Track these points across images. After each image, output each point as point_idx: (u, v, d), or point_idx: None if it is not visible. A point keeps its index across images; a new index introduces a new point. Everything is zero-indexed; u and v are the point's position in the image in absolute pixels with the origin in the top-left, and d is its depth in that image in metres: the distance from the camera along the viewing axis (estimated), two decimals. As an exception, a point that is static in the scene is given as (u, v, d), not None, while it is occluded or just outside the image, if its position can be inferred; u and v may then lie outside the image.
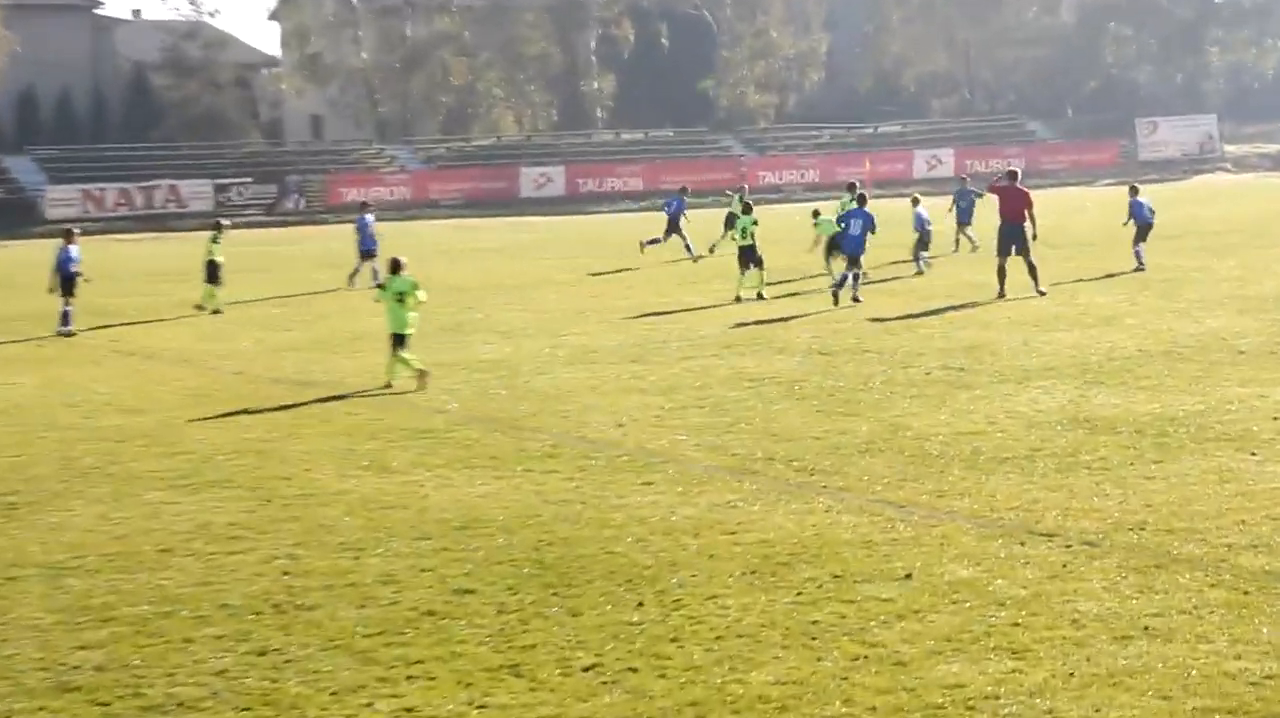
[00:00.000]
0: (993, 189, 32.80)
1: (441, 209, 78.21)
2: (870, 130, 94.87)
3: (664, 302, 33.03)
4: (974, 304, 29.89)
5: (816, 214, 37.62)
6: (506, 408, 20.66)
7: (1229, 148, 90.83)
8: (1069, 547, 12.77)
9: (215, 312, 34.16)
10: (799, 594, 11.86)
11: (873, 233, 31.76)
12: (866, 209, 32.23)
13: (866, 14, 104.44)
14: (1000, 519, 13.77)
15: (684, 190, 47.88)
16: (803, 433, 18.02)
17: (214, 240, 35.64)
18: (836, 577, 12.24)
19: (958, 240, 41.96)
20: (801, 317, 29.22)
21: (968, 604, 11.41)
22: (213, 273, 35.14)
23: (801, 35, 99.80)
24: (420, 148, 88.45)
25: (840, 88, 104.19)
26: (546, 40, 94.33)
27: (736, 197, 41.44)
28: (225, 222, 38.85)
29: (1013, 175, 32.50)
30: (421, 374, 22.67)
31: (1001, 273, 30.94)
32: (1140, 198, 36.95)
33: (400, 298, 23.15)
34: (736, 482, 15.67)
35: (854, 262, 31.62)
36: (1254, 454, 15.82)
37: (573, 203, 79.94)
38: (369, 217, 40.90)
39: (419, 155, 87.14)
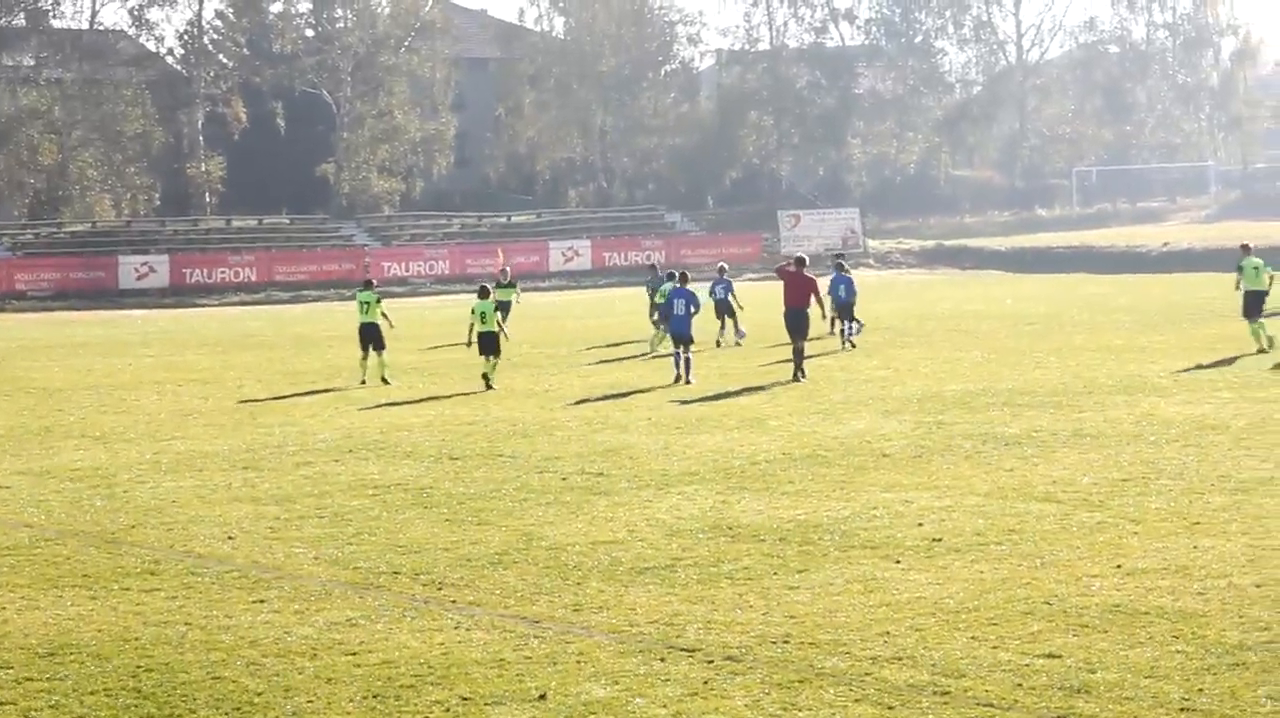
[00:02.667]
0: (780, 273, 35.83)
1: (29, 301, 76.05)
2: (504, 220, 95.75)
3: (279, 403, 32.66)
4: (618, 399, 30.33)
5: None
6: (102, 521, 20.13)
7: (872, 243, 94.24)
8: (711, 662, 12.99)
9: None
10: (425, 719, 11.82)
11: (696, 310, 34.77)
12: (689, 288, 35.09)
13: (497, 96, 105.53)
14: (640, 634, 13.94)
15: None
16: (431, 544, 17.99)
17: None
18: (465, 699, 12.22)
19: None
20: (431, 418, 29.21)
21: (605, 726, 11.51)
22: None
23: (429, 117, 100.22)
24: (4, 233, 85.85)
25: (471, 174, 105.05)
26: (147, 119, 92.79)
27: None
28: None
29: (800, 262, 35.19)
30: None
31: (798, 354, 33.90)
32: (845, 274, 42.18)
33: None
34: (358, 598, 15.55)
35: (683, 341, 34.25)
36: (898, 562, 16.36)
37: (178, 294, 78.54)
38: None
39: (3, 242, 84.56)
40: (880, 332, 44.40)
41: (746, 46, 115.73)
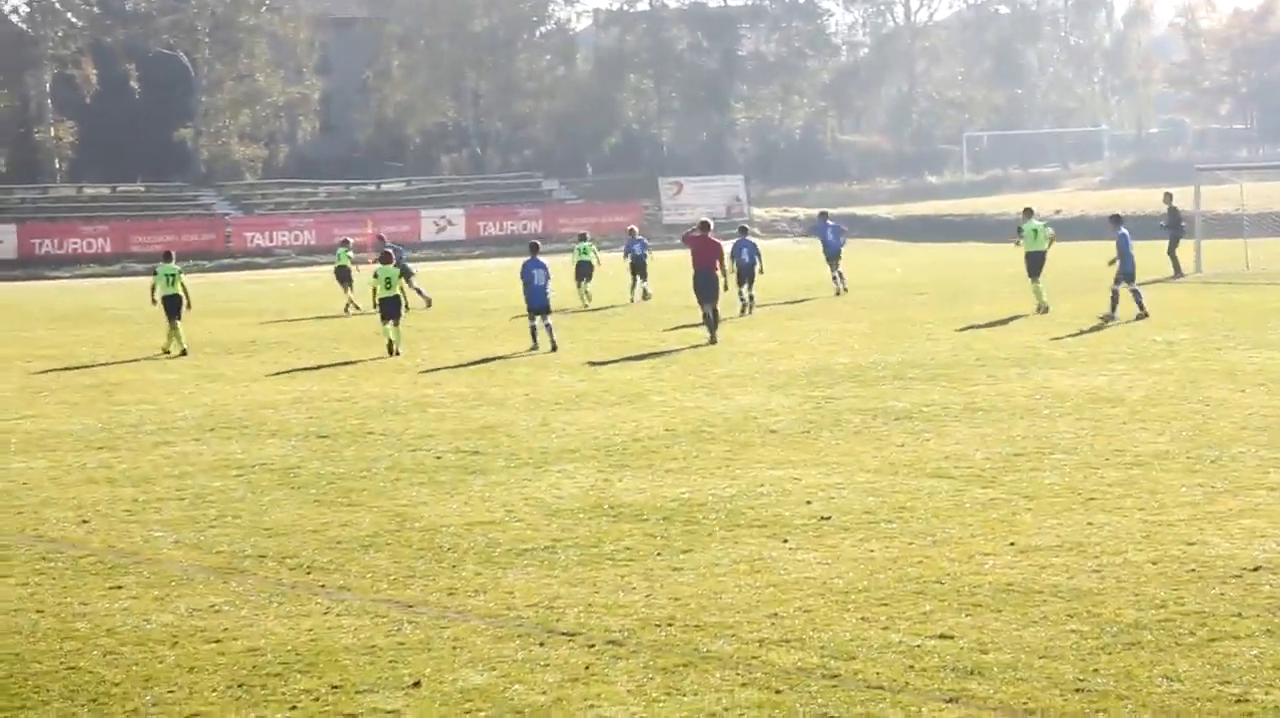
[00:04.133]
0: (686, 240, 38.27)
1: None
2: (373, 187, 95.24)
3: (136, 380, 32.35)
4: (493, 374, 30.29)
5: None
6: (-52, 504, 19.90)
7: (757, 211, 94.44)
8: (592, 647, 13.02)
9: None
10: (293, 708, 11.75)
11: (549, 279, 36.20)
12: (543, 259, 36.60)
13: (365, 59, 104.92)
14: (518, 618, 13.94)
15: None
16: (298, 526, 17.90)
17: None
18: (335, 687, 12.17)
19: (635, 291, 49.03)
20: (298, 395, 29.04)
21: (482, 713, 11.51)
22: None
23: (292, 80, 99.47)
24: None
25: (338, 140, 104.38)
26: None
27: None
28: None
29: (705, 226, 37.35)
30: None
31: (709, 319, 35.89)
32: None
33: None
34: (221, 583, 15.45)
35: (540, 311, 35.74)
36: (786, 542, 16.44)
37: (27, 266, 77.52)
38: None
39: None
40: (766, 304, 44.54)
41: (625, 6, 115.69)
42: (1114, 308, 37.43)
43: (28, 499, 20.06)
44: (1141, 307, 37.28)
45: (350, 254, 50.04)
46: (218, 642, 13.45)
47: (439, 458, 22.07)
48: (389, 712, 11.61)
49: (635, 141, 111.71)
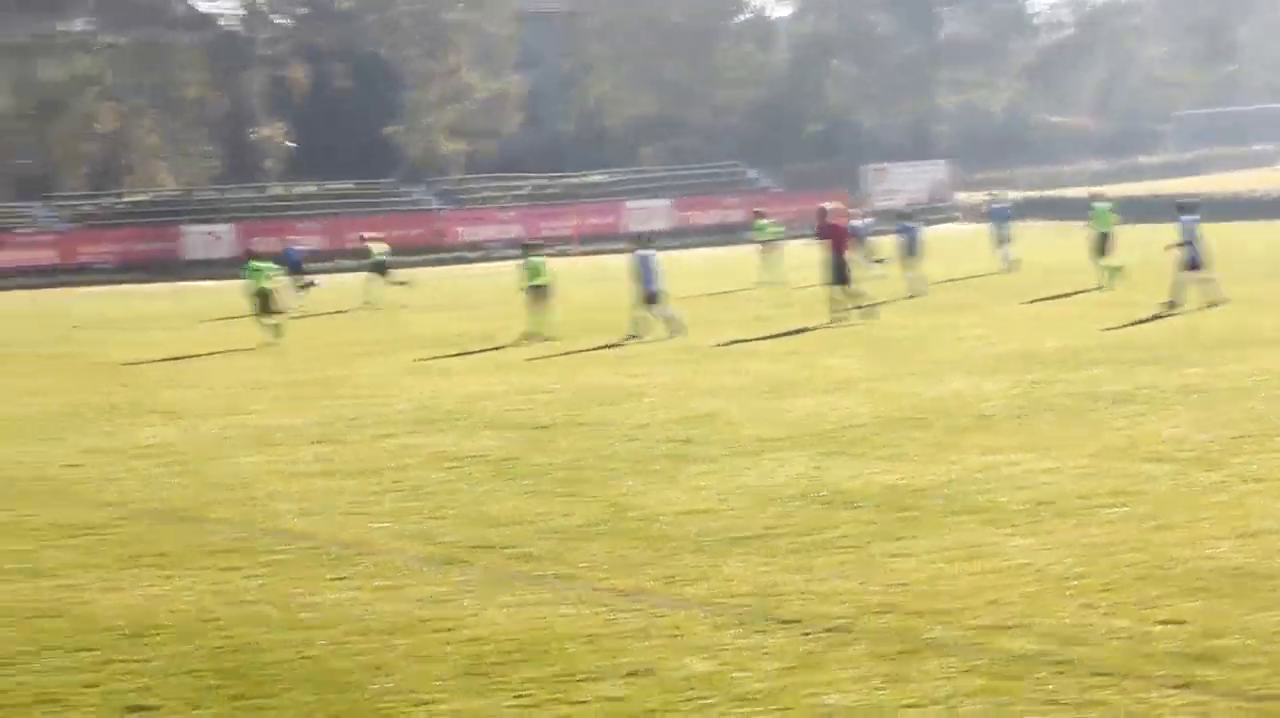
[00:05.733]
0: (820, 229, 40.59)
1: (93, 274, 76.69)
2: (576, 180, 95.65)
3: (352, 374, 32.84)
4: (703, 363, 30.34)
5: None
6: (178, 498, 20.31)
7: (960, 195, 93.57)
8: (812, 634, 12.97)
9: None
10: (519, 697, 11.84)
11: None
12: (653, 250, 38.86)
13: (565, 51, 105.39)
14: (737, 606, 13.93)
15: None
16: (516, 517, 18.04)
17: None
18: (559, 676, 12.24)
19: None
20: (510, 387, 29.29)
21: (705, 701, 11.50)
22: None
23: (496, 76, 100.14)
24: (64, 205, 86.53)
25: (542, 133, 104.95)
26: (205, 84, 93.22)
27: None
28: None
29: (823, 213, 40.70)
30: None
31: (841, 299, 38.46)
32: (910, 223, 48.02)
33: None
34: (444, 574, 15.61)
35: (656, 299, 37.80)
36: (1003, 528, 16.26)
37: (240, 264, 78.79)
38: None
39: (63, 214, 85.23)
40: (974, 288, 44.18)
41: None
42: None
43: (255, 493, 20.41)
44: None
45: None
46: (444, 632, 13.58)
47: (653, 447, 22.12)
48: (613, 699, 11.66)
49: (836, 127, 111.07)
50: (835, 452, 21.05)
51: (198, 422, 27.01)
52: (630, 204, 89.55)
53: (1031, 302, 40.88)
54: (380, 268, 55.36)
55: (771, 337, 35.81)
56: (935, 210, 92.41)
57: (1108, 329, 33.07)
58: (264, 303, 41.98)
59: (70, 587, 15.84)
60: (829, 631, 13.04)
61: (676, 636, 13.12)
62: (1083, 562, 14.67)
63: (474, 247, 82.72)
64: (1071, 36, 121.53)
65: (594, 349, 35.00)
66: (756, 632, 13.10)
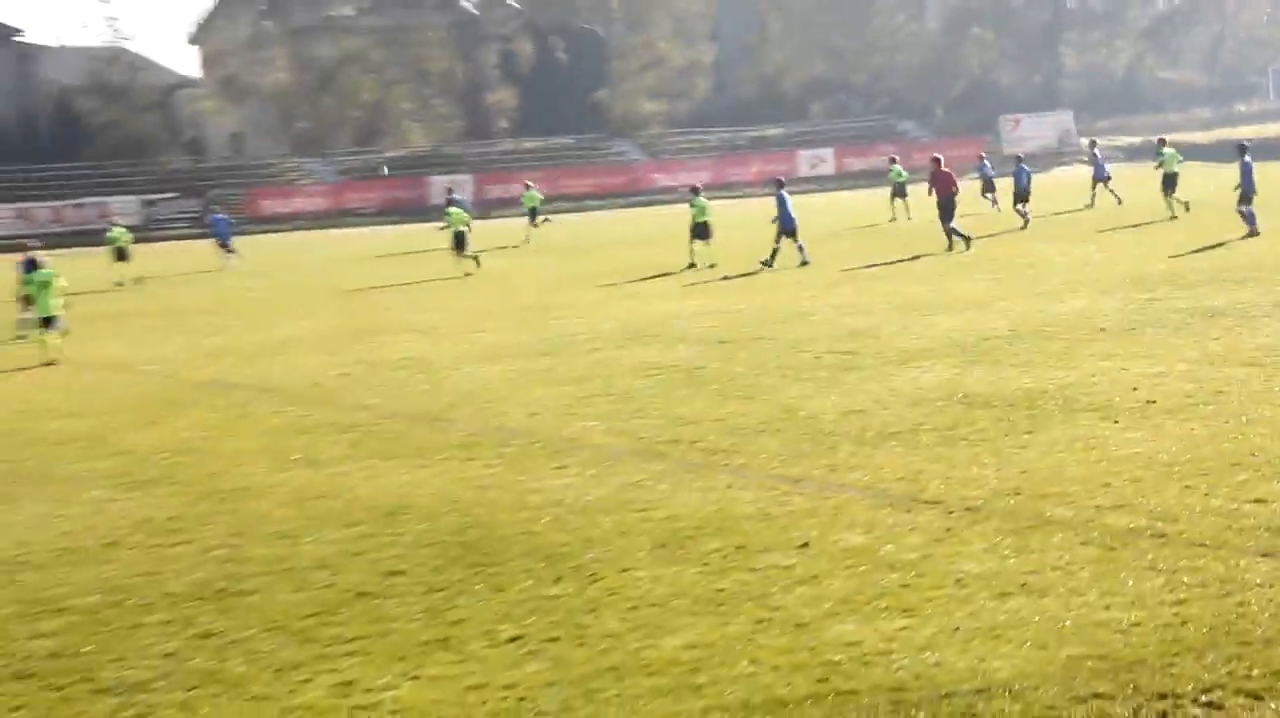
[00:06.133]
0: (933, 175, 40.34)
1: (357, 218, 77.76)
2: (756, 133, 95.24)
3: (568, 299, 33.06)
4: (861, 285, 30.16)
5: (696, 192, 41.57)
6: (426, 402, 20.63)
7: (1084, 141, 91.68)
8: (951, 513, 12.92)
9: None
10: (705, 565, 11.94)
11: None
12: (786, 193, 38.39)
13: (748, 25, 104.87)
14: (888, 490, 13.91)
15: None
16: (704, 416, 18.11)
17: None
18: (739, 548, 12.32)
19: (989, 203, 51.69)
20: (699, 309, 29.32)
21: (860, 569, 11.53)
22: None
23: (689, 46, 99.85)
24: (334, 161, 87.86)
25: (727, 94, 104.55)
26: (449, 57, 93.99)
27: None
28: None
29: (936, 162, 40.66)
30: (52, 362, 26.67)
31: (951, 233, 38.39)
32: (1023, 164, 46.87)
33: (44, 287, 27.10)
34: (644, 463, 15.72)
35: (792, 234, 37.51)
36: (1116, 423, 16.05)
37: (480, 208, 79.65)
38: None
39: (333, 168, 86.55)
40: (1093, 220, 43.41)
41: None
42: (1252, 224, 36.03)
43: (488, 397, 20.67)
44: (1253, 225, 35.94)
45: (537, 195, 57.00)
46: (643, 511, 13.71)
47: (818, 358, 22.06)
48: (784, 567, 11.71)
49: (978, 85, 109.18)
50: (973, 361, 20.86)
51: (440, 340, 27.37)
52: (801, 152, 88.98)
53: (1133, 227, 40.06)
54: (533, 213, 56.16)
55: (902, 261, 35.47)
56: (1063, 154, 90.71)
57: (1197, 252, 32.32)
58: (459, 242, 42.76)
59: (340, 474, 16.19)
60: (966, 510, 12.97)
61: (837, 515, 13.13)
62: (1183, 451, 14.44)
63: (667, 191, 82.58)
64: (1181, 3, 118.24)
65: (748, 275, 34.89)
66: (904, 511, 13.07)
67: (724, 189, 77.75)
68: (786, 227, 37.33)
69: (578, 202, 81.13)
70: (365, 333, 28.93)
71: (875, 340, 23.38)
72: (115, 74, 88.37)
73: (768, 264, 36.72)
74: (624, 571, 11.91)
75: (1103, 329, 22.92)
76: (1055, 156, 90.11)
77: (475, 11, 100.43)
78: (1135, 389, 17.89)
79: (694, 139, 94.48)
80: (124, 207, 75.84)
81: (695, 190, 41.08)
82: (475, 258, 42.54)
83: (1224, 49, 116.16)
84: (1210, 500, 12.64)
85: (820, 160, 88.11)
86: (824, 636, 10.09)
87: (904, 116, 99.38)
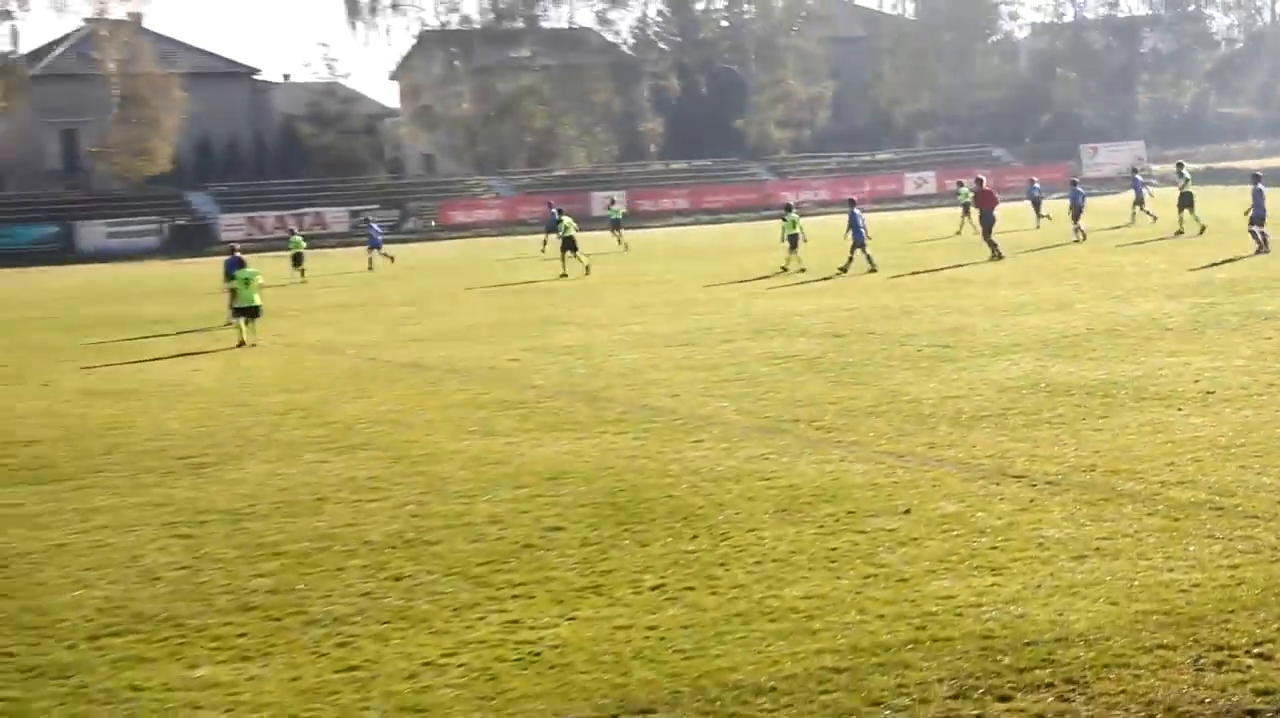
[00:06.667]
0: (980, 194, 40.63)
1: (529, 226, 78.24)
2: (869, 157, 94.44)
3: (706, 298, 32.96)
4: (956, 288, 29.73)
5: (789, 209, 41.23)
6: (584, 383, 20.68)
7: (1154, 167, 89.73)
8: (1035, 485, 12.70)
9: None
10: (820, 527, 11.84)
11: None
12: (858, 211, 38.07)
13: (865, 64, 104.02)
14: (980, 465, 13.70)
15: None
16: (820, 399, 17.96)
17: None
18: (850, 513, 12.21)
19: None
20: (818, 307, 29.09)
21: (955, 533, 11.37)
22: None
23: (813, 83, 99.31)
24: (511, 178, 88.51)
25: (844, 124, 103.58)
26: (609, 91, 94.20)
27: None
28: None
29: (979, 182, 41.17)
30: (243, 343, 27.35)
31: (993, 245, 37.85)
32: (1078, 187, 45.65)
33: (247, 282, 27.94)
34: (768, 439, 15.64)
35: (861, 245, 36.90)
36: (1180, 410, 15.69)
37: (633, 219, 79.70)
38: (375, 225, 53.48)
39: (510, 184, 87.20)
40: (1162, 234, 42.43)
41: (1054, 19, 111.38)
42: (1264, 243, 34.59)
43: (636, 380, 20.62)
44: (1264, 244, 34.44)
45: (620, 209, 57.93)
46: (767, 480, 13.63)
47: (920, 350, 21.79)
48: (889, 530, 11.58)
49: (1061, 117, 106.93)
50: (1055, 354, 20.48)
51: (598, 330, 27.41)
52: (908, 174, 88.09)
53: (1194, 240, 39.06)
54: (616, 224, 56.47)
55: (967, 265, 34.89)
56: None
57: (1265, 264, 31.38)
58: (568, 246, 42.31)
59: (511, 443, 16.27)
60: (1047, 483, 12.75)
61: (935, 486, 12.96)
62: (1240, 435, 14.06)
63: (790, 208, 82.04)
64: (1242, 48, 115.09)
65: (854, 278, 34.51)
66: (993, 483, 12.87)
67: (841, 207, 76.98)
68: (858, 239, 36.94)
69: (715, 215, 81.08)
70: (535, 324, 29.08)
71: (970, 336, 23.04)
72: (331, 105, 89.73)
73: (843, 270, 36.49)
74: (750, 530, 11.85)
75: (1168, 329, 22.39)
76: (1127, 181, 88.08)
77: (632, 53, 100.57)
78: (1196, 381, 17.46)
79: (815, 162, 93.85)
80: (336, 216, 77.13)
81: (788, 208, 40.99)
82: (586, 264, 41.80)
83: (1278, 86, 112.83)
84: (1263, 478, 12.30)
85: (923, 181, 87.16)
86: (923, 589, 9.97)
87: (997, 144, 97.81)
